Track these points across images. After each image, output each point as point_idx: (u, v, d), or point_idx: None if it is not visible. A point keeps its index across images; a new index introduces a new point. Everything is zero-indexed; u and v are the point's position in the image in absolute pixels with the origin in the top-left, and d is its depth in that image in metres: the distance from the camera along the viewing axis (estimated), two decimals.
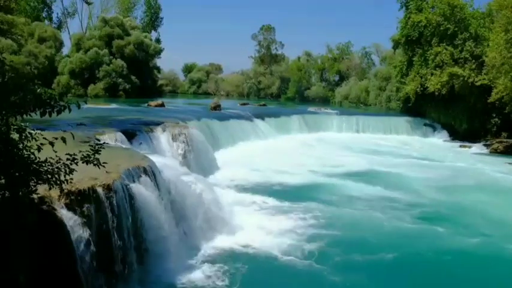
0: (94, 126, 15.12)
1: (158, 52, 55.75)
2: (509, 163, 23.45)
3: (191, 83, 79.17)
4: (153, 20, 70.50)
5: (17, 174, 5.23)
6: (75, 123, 14.46)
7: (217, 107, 30.45)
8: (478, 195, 16.09)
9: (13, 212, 5.21)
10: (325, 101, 60.65)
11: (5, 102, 5.13)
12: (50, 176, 5.46)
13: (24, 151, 5.32)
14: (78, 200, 6.65)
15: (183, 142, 16.47)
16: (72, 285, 6.28)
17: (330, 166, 20.38)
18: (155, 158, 10.37)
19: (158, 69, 59.14)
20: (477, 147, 29.46)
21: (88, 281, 6.53)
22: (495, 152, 27.91)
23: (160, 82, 61.98)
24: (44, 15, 61.66)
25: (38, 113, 5.32)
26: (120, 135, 13.86)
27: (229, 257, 9.53)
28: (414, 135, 34.09)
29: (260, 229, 11.16)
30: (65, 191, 6.31)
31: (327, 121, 34.40)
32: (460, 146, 30.35)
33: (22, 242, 5.55)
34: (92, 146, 5.94)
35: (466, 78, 30.59)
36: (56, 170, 5.54)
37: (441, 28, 32.36)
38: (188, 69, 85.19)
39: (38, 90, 5.37)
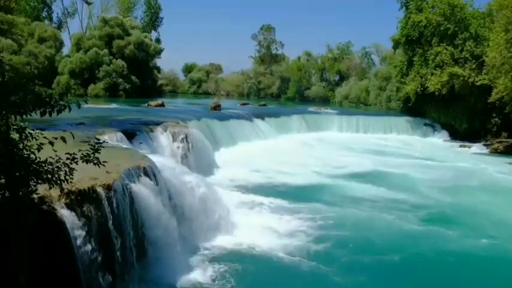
0: (94, 126, 15.16)
1: (158, 52, 55.83)
2: (510, 163, 23.45)
3: (191, 83, 79.22)
4: (153, 20, 70.55)
5: (17, 174, 5.22)
6: (75, 123, 14.55)
7: (217, 107, 30.44)
8: (481, 196, 16.07)
9: (13, 212, 5.20)
10: (325, 101, 60.67)
11: (5, 102, 5.12)
12: (50, 176, 5.46)
13: (24, 151, 5.31)
14: (78, 199, 6.64)
15: (183, 142, 16.45)
16: (72, 285, 6.28)
17: (331, 166, 20.36)
18: (155, 158, 10.34)
19: (158, 69, 59.18)
20: (477, 147, 29.44)
21: (88, 281, 6.53)
22: (495, 152, 27.89)
23: (160, 82, 62.01)
24: (44, 15, 61.75)
25: (38, 112, 5.31)
26: (120, 135, 13.85)
27: (230, 257, 9.47)
28: (414, 135, 34.08)
29: (262, 229, 11.09)
30: (65, 190, 6.30)
31: (327, 121, 34.35)
32: (460, 146, 30.32)
33: (22, 242, 5.54)
34: (92, 145, 5.94)
35: (466, 78, 30.59)
36: (56, 169, 5.54)
37: (441, 28, 32.35)
38: (188, 69, 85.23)
39: (38, 90, 5.37)
